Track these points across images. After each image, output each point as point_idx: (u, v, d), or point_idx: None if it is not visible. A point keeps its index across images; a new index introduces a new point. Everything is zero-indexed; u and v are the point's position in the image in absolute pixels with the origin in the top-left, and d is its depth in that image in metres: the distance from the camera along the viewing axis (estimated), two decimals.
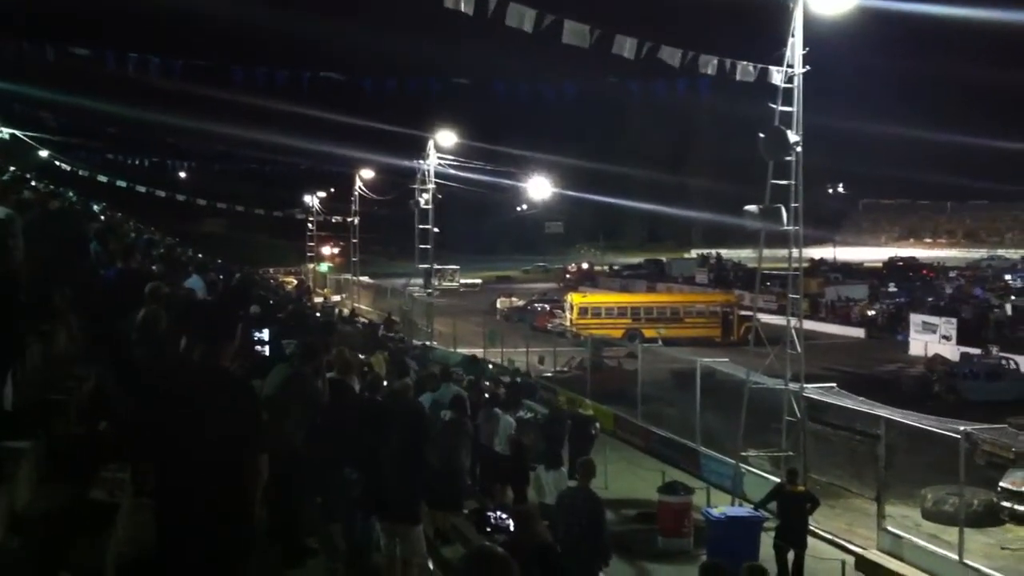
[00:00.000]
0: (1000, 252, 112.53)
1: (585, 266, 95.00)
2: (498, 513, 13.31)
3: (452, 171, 47.38)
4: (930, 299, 58.34)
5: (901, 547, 16.28)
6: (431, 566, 10.04)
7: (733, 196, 35.86)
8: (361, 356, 16.57)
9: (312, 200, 75.85)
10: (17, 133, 44.11)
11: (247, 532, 4.62)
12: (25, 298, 6.93)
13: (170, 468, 4.56)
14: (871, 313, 57.19)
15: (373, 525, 8.80)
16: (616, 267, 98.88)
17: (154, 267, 14.33)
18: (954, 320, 45.46)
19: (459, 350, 35.94)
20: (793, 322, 19.92)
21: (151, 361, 6.89)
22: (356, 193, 63.34)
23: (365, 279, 68.21)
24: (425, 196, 44.68)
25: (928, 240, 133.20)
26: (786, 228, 19.22)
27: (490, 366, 22.30)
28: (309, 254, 76.37)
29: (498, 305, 61.98)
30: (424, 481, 9.44)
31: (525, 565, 6.11)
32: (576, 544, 10.03)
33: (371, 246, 79.83)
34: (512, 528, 10.18)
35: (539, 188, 61.29)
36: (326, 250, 66.25)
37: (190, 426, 4.49)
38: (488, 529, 12.71)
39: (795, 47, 18.74)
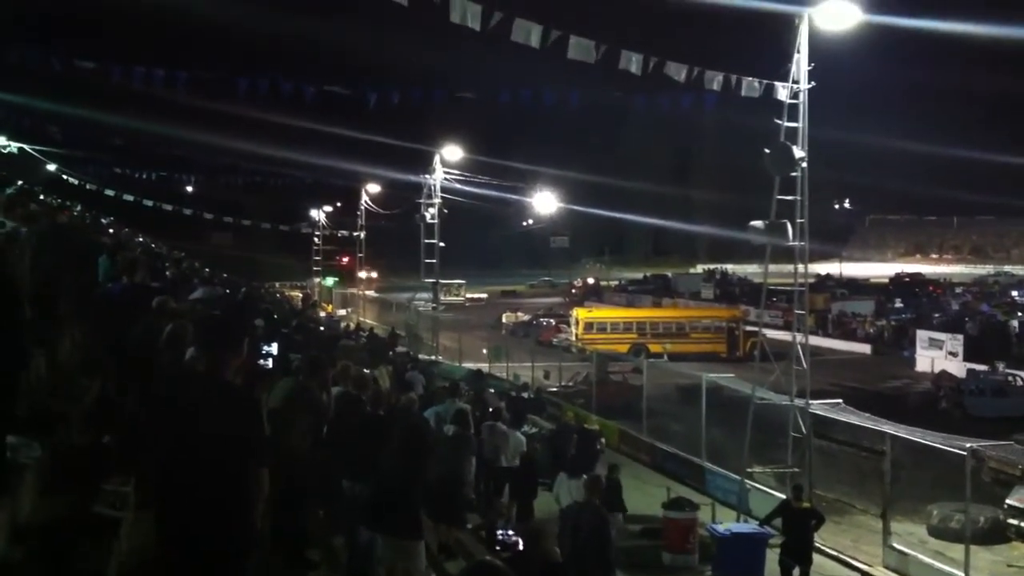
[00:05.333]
0: (1007, 268, 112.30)
1: (591, 281, 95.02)
2: (507, 531, 13.29)
3: (458, 185, 47.37)
4: (936, 315, 58.23)
5: (907, 564, 16.23)
6: None
7: (738, 211, 35.85)
8: (366, 370, 16.56)
9: (318, 214, 75.87)
10: (25, 147, 44.27)
11: (247, 542, 4.62)
12: (29, 310, 6.94)
13: (172, 477, 4.56)
14: (877, 326, 57.05)
15: (375, 538, 8.78)
16: (622, 282, 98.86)
17: (156, 282, 14.34)
18: (960, 336, 45.34)
19: (464, 364, 35.91)
20: (799, 338, 19.89)
21: (160, 372, 6.90)
22: (362, 207, 63.33)
23: (371, 293, 68.13)
24: (431, 210, 44.63)
25: (934, 256, 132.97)
26: (792, 243, 19.21)
27: (491, 391, 22.22)
28: (316, 268, 76.37)
29: (504, 320, 61.91)
30: (424, 496, 9.41)
31: None
32: (582, 560, 10.00)
33: (377, 260, 79.73)
34: (520, 546, 10.16)
35: (545, 202, 61.17)
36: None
37: (192, 436, 4.50)
38: (497, 547, 12.70)
39: (800, 63, 18.77)
